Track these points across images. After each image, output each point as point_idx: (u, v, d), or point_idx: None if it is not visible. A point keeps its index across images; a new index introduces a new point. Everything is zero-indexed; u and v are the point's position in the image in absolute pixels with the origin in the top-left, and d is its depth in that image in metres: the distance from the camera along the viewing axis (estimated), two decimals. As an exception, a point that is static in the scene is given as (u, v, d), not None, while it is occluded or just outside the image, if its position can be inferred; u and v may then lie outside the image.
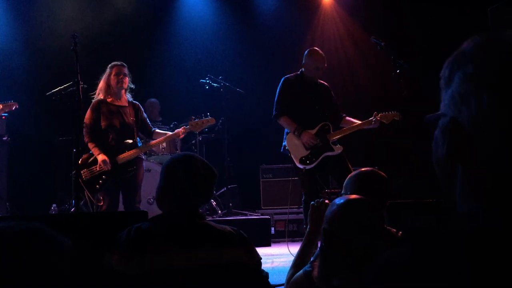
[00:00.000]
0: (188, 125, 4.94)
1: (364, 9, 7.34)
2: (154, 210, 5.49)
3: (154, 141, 5.01)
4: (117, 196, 4.75)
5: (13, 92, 6.90)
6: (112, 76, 4.71)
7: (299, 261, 2.15)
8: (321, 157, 4.66)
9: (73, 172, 5.48)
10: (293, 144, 4.71)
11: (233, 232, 1.94)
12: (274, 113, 4.89)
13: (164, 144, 6.41)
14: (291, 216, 6.43)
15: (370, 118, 4.66)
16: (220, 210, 6.46)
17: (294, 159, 4.69)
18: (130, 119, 4.78)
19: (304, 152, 4.65)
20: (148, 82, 7.38)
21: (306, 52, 4.89)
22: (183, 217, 1.92)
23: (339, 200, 1.69)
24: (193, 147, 6.72)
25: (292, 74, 4.96)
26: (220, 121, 6.67)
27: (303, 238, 2.24)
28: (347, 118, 4.91)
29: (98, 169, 4.67)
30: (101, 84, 4.76)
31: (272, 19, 7.70)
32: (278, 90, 4.90)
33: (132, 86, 4.91)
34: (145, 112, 5.11)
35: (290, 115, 4.75)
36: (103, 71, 4.83)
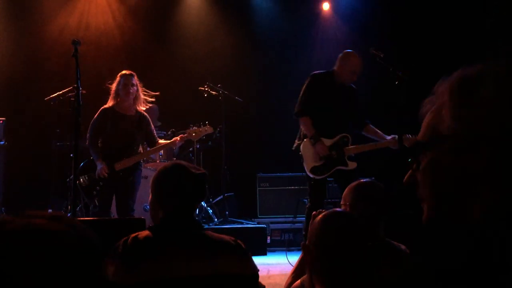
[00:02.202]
0: (185, 133, 4.94)
1: (363, 20, 7.39)
2: (150, 217, 5.47)
3: (151, 149, 4.98)
4: (109, 199, 4.78)
5: (12, 96, 6.90)
6: (120, 86, 4.75)
7: (298, 270, 2.14)
8: (332, 170, 4.47)
9: (70, 177, 5.47)
10: (307, 151, 4.49)
11: (231, 242, 1.92)
12: (296, 109, 4.60)
13: (162, 152, 6.40)
14: (287, 226, 6.42)
15: (393, 136, 4.47)
16: (216, 218, 6.44)
17: (305, 166, 4.48)
18: (133, 128, 4.78)
19: (317, 162, 4.44)
20: (146, 88, 7.37)
21: (341, 54, 4.65)
22: (180, 226, 1.90)
23: (321, 214, 1.67)
24: (191, 154, 6.71)
25: (321, 72, 4.70)
26: (218, 129, 6.67)
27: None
28: (370, 126, 4.67)
29: (96, 175, 4.72)
30: (112, 91, 4.81)
31: (272, 29, 7.74)
32: (305, 85, 4.62)
33: (144, 97, 4.91)
34: None
35: (312, 116, 4.49)
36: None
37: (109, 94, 4.84)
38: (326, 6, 7.86)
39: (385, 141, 4.55)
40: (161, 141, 5.02)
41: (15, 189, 6.43)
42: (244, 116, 7.16)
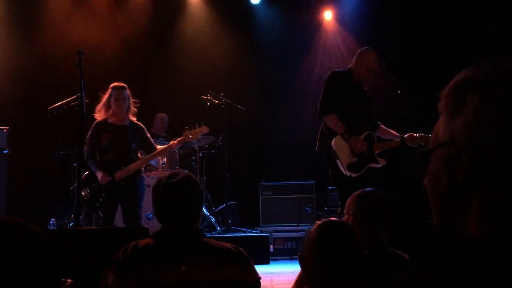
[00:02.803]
0: (182, 135, 4.93)
1: (365, 29, 7.41)
2: (153, 226, 5.48)
3: (149, 156, 4.94)
4: (113, 210, 4.77)
5: (16, 105, 6.94)
6: (112, 99, 4.76)
7: (302, 280, 2.14)
8: (366, 168, 4.30)
9: (74, 185, 5.48)
10: (341, 148, 4.26)
11: (231, 249, 1.92)
12: (320, 109, 4.38)
13: (165, 160, 6.41)
14: (290, 234, 6.41)
15: (409, 134, 4.33)
16: (219, 226, 6.44)
17: (341, 164, 4.24)
18: (129, 138, 4.80)
19: (352, 159, 4.26)
20: (150, 98, 7.41)
21: (359, 51, 4.53)
22: (180, 234, 1.91)
23: (316, 224, 1.69)
24: (193, 163, 6.72)
25: (340, 70, 4.58)
26: (221, 137, 6.69)
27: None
28: (382, 126, 4.57)
29: (97, 187, 4.74)
30: (102, 103, 4.81)
31: (274, 37, 7.77)
32: (326, 84, 4.45)
33: (134, 108, 4.89)
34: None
35: (337, 114, 4.31)
36: (107, 86, 4.86)
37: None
38: (328, 15, 7.90)
39: (400, 138, 4.37)
40: (160, 147, 5.02)
41: (18, 198, 6.44)
42: (247, 124, 7.18)
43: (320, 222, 1.65)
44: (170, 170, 6.37)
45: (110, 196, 4.71)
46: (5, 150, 6.09)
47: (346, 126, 4.30)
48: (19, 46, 7.21)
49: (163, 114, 7.19)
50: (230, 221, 6.45)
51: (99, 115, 4.84)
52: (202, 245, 1.90)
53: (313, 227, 1.65)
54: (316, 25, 7.94)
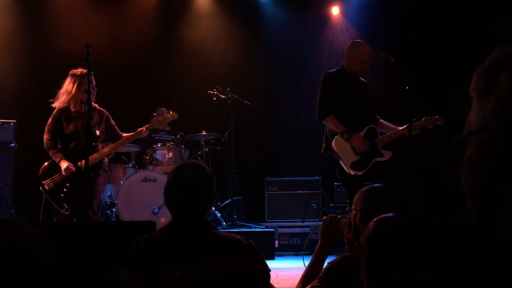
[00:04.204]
0: (150, 122, 4.92)
1: (372, 25, 7.37)
2: (159, 220, 5.50)
3: (115, 143, 4.84)
4: (79, 200, 4.62)
5: (23, 99, 6.95)
6: (75, 86, 4.64)
7: (308, 276, 2.13)
8: (371, 164, 4.30)
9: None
10: (343, 148, 4.29)
11: (242, 241, 1.93)
12: (318, 111, 4.41)
13: (170, 154, 6.39)
14: (295, 230, 6.41)
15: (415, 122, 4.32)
16: (224, 221, 6.44)
17: (345, 164, 4.26)
18: (94, 126, 4.66)
19: (355, 157, 4.28)
20: (156, 92, 7.41)
21: (349, 44, 4.56)
22: (191, 227, 1.91)
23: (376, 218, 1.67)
24: (199, 158, 6.72)
25: (333, 70, 4.60)
26: (227, 132, 6.68)
27: (314, 253, 2.23)
28: (382, 121, 4.60)
29: (60, 177, 4.62)
30: (63, 90, 4.70)
31: (281, 33, 7.74)
32: (320, 86, 4.47)
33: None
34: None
35: (336, 114, 4.34)
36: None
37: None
38: (335, 11, 7.86)
39: (406, 126, 4.39)
40: (126, 134, 4.93)
41: (24, 191, 6.45)
42: (253, 120, 7.16)
43: (380, 218, 1.64)
44: (175, 164, 6.37)
45: (75, 186, 4.55)
46: (12, 143, 6.10)
47: (348, 124, 4.31)
48: (26, 40, 7.21)
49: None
50: (235, 216, 6.45)
51: (59, 103, 4.71)
52: (213, 237, 1.90)
53: (372, 221, 1.63)
54: (323, 20, 7.89)
